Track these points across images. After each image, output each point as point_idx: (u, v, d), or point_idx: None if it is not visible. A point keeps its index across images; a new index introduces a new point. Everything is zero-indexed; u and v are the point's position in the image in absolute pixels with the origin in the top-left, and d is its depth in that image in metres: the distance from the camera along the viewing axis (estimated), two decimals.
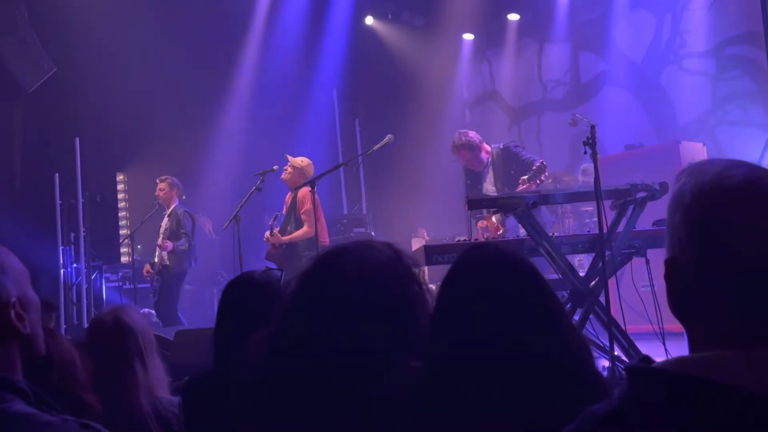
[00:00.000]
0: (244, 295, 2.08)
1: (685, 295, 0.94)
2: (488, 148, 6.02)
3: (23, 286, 1.31)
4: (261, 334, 1.52)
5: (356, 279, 1.42)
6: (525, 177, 5.36)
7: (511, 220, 5.69)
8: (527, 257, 1.53)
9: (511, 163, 5.81)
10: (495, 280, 1.44)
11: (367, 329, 1.38)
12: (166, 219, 7.62)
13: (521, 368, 1.32)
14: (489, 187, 5.94)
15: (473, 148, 5.95)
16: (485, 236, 5.81)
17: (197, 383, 2.05)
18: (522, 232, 5.59)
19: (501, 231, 5.72)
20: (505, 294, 1.41)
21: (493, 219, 5.77)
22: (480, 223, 5.99)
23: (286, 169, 6.60)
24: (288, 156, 6.67)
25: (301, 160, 6.62)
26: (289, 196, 6.72)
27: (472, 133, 6.06)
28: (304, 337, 1.40)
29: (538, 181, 5.34)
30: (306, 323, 1.42)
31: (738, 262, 0.88)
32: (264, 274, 2.14)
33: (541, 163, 5.39)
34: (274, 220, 6.57)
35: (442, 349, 1.39)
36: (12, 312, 1.25)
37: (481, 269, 1.48)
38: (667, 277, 0.95)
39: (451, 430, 1.31)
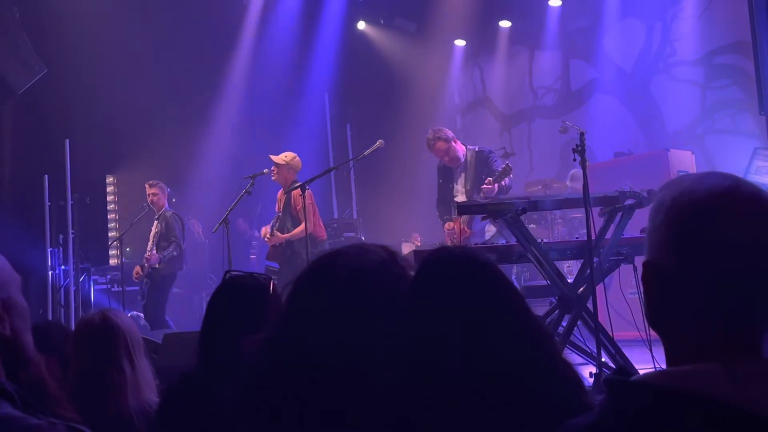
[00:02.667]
0: (230, 301, 2.05)
1: (662, 301, 0.94)
2: (462, 148, 6.04)
3: (10, 290, 1.31)
4: (256, 338, 1.52)
5: (349, 282, 1.42)
6: (491, 178, 5.46)
7: (478, 224, 5.75)
8: (490, 259, 1.50)
9: (483, 167, 5.86)
10: (453, 283, 1.41)
11: (360, 331, 1.38)
12: (156, 222, 7.60)
13: (490, 376, 1.30)
14: (459, 188, 5.97)
15: (448, 140, 5.97)
16: (452, 238, 5.83)
17: (180, 387, 2.04)
18: (488, 235, 5.66)
19: (467, 234, 5.73)
20: (462, 297, 1.39)
21: (461, 221, 5.77)
22: (447, 225, 5.99)
23: (272, 170, 6.57)
24: (271, 156, 6.64)
25: (284, 156, 6.57)
26: (281, 194, 6.71)
27: (445, 129, 6.11)
28: (298, 341, 1.40)
29: (502, 183, 5.46)
30: (300, 327, 1.42)
31: (715, 268, 0.89)
32: (251, 279, 2.12)
33: (507, 165, 5.46)
34: (276, 221, 6.56)
35: (409, 357, 1.37)
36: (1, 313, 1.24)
37: (439, 274, 1.44)
38: (645, 279, 0.96)
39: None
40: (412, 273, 1.52)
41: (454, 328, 1.36)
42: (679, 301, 0.91)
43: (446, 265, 1.46)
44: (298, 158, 6.61)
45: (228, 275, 2.20)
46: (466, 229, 5.78)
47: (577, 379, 1.39)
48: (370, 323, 1.39)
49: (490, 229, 5.79)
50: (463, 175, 5.98)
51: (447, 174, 6.14)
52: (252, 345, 1.53)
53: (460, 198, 5.87)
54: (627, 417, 0.87)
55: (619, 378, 0.91)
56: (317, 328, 1.40)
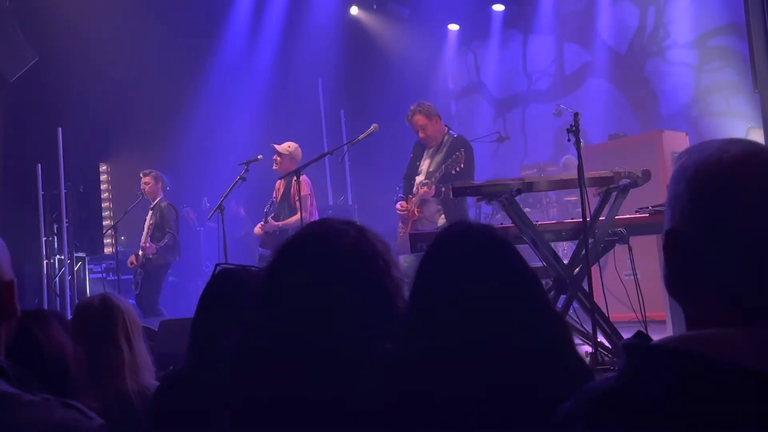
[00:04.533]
0: (222, 294, 2.01)
1: (684, 269, 0.94)
2: (443, 129, 5.78)
3: (11, 267, 1.31)
4: (239, 329, 1.50)
5: (320, 269, 1.40)
6: (426, 181, 5.43)
7: (430, 209, 5.66)
8: (503, 235, 1.47)
9: (451, 154, 5.51)
10: (470, 260, 1.39)
11: (338, 316, 1.36)
12: (150, 213, 7.59)
13: (497, 350, 1.29)
14: (423, 168, 5.74)
15: (430, 116, 5.69)
16: (403, 219, 5.77)
17: (177, 377, 2.02)
18: (439, 223, 5.56)
19: (416, 217, 5.60)
20: (480, 273, 1.37)
21: (413, 201, 5.66)
22: (399, 204, 5.84)
23: (275, 159, 6.56)
24: (274, 145, 6.63)
25: (287, 146, 6.57)
26: (280, 184, 6.69)
27: (430, 104, 5.84)
28: (275, 333, 1.38)
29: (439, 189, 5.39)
30: (277, 318, 1.40)
31: (739, 235, 0.89)
32: (243, 272, 2.08)
33: (459, 152, 5.36)
34: (269, 207, 6.53)
35: (418, 332, 1.35)
36: (13, 292, 1.24)
37: (457, 246, 1.42)
38: (667, 248, 0.95)
39: (426, 412, 1.29)
40: (382, 246, 1.49)
41: (464, 305, 1.33)
42: (703, 268, 0.91)
43: (463, 239, 1.43)
44: (299, 149, 6.60)
45: (218, 268, 2.15)
46: (415, 211, 5.62)
47: (587, 370, 1.38)
48: (347, 306, 1.37)
49: (441, 219, 5.63)
50: (432, 156, 5.73)
51: (419, 150, 5.89)
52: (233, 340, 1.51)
53: (420, 179, 5.70)
54: (646, 380, 0.87)
55: (639, 342, 0.92)
56: (293, 319, 1.37)
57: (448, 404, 1.28)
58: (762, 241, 0.88)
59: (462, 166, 5.36)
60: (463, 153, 5.39)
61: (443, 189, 5.44)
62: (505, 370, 1.28)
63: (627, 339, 0.94)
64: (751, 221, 0.88)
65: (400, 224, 5.90)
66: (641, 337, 0.94)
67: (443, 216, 5.63)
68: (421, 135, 5.78)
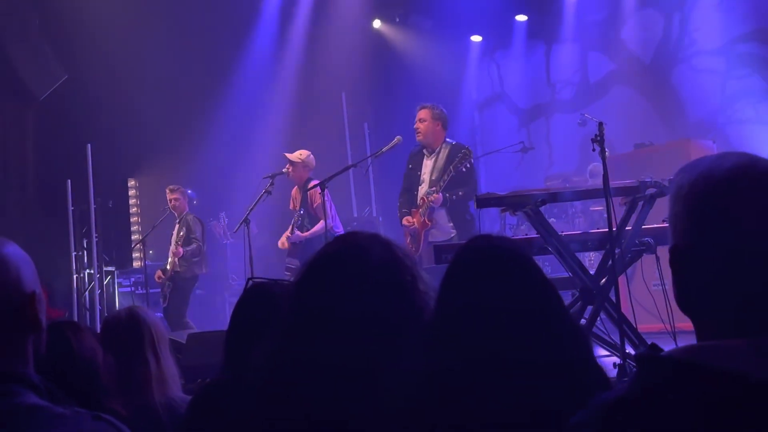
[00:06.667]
0: (255, 309, 2.02)
1: (688, 285, 0.95)
2: (442, 137, 5.66)
3: (38, 281, 1.33)
4: (267, 345, 1.51)
5: (348, 285, 1.41)
6: (433, 189, 5.34)
7: (440, 220, 5.57)
8: (525, 250, 1.47)
9: (453, 159, 5.41)
10: (491, 274, 1.39)
11: (367, 332, 1.36)
12: (177, 226, 7.68)
13: (520, 364, 1.29)
14: (424, 176, 5.61)
15: (435, 117, 5.62)
16: (411, 234, 5.61)
17: (209, 391, 2.03)
18: (452, 234, 5.47)
19: (428, 225, 5.46)
20: (503, 287, 1.37)
21: (420, 212, 5.52)
22: (405, 219, 5.67)
23: (287, 168, 6.59)
24: (286, 154, 6.65)
25: (299, 154, 6.58)
26: (295, 191, 6.72)
27: (441, 109, 5.77)
28: (304, 349, 1.39)
29: (454, 196, 5.34)
30: (305, 334, 1.40)
31: (737, 248, 0.90)
32: (275, 285, 2.09)
33: (464, 151, 5.31)
34: (297, 219, 6.50)
35: (441, 348, 1.36)
36: (35, 305, 1.26)
37: (477, 264, 1.42)
38: (672, 264, 0.97)
39: (450, 426, 1.29)
40: (409, 260, 1.49)
41: (486, 322, 1.33)
42: (704, 284, 0.93)
43: (484, 255, 1.42)
44: (312, 156, 6.63)
45: (250, 282, 2.16)
46: (426, 221, 5.47)
47: (608, 382, 1.36)
48: (374, 323, 1.37)
49: (452, 225, 5.53)
50: (431, 162, 5.60)
51: (418, 159, 5.74)
52: (263, 351, 1.51)
53: (424, 188, 5.56)
54: (652, 390, 0.88)
55: (648, 353, 0.93)
56: (321, 336, 1.38)
57: (470, 419, 1.27)
58: (759, 252, 0.89)
59: (472, 162, 5.31)
60: (469, 152, 5.32)
61: (449, 196, 5.38)
62: (527, 385, 1.27)
63: (640, 351, 0.95)
64: (747, 234, 0.89)
65: (407, 240, 5.65)
66: (653, 348, 0.95)
67: (452, 224, 5.52)
68: (416, 126, 5.70)
